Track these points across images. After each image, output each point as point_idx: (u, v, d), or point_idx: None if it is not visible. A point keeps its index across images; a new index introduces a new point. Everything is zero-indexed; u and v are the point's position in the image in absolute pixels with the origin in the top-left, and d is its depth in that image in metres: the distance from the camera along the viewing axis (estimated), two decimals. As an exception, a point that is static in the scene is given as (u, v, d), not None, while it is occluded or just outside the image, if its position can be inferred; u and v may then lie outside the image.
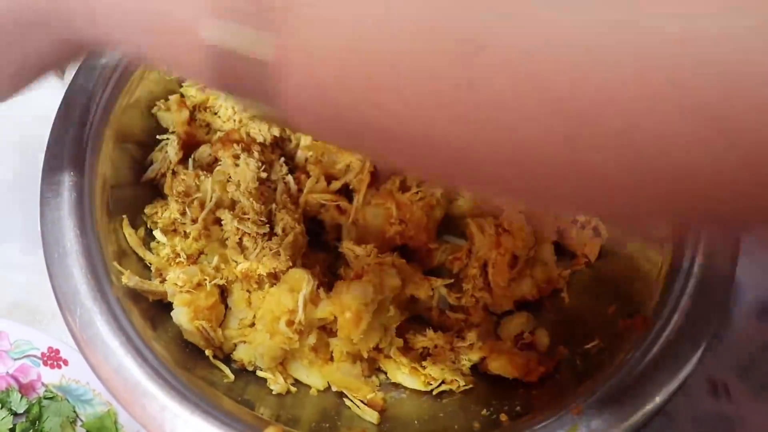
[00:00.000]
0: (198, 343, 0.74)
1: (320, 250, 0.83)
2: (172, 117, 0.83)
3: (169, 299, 0.74)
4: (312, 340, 0.74)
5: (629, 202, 0.31)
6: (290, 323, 0.71)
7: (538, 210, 0.77)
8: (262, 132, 0.82)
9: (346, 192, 0.83)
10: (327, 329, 0.76)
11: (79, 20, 0.48)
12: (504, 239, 0.79)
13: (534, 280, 0.81)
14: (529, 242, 0.79)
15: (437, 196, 0.79)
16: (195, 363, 0.73)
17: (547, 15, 0.28)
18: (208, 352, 0.74)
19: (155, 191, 0.83)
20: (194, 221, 0.77)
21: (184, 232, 0.78)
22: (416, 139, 0.35)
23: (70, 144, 0.74)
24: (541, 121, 0.29)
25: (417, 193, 0.79)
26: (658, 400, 0.65)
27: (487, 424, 0.72)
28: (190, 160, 0.83)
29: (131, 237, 0.76)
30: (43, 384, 0.77)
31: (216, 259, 0.77)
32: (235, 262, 0.75)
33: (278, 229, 0.77)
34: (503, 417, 0.71)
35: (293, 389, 0.76)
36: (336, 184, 0.81)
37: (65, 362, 0.77)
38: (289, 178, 0.81)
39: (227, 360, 0.76)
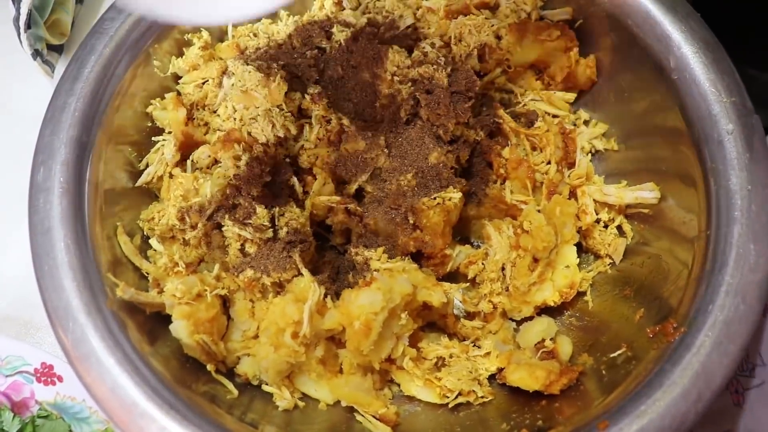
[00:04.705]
0: (199, 358, 0.70)
1: (328, 254, 0.79)
2: (169, 116, 0.78)
3: (168, 311, 0.70)
4: (320, 352, 0.70)
5: None
6: (295, 335, 0.67)
7: None
8: (264, 132, 0.77)
9: (356, 194, 0.78)
10: (336, 340, 0.72)
11: None
12: (523, 240, 0.75)
13: (555, 284, 0.76)
14: (550, 243, 0.75)
15: (455, 200, 0.74)
16: (196, 379, 0.69)
17: None
18: (209, 367, 0.70)
19: (152, 196, 0.79)
20: (193, 227, 0.73)
21: (183, 239, 0.74)
22: None
23: (59, 147, 0.70)
24: None
25: (434, 198, 0.74)
26: (691, 414, 0.61)
27: (507, 439, 0.68)
28: (188, 162, 0.78)
29: (126, 245, 0.72)
30: (36, 402, 0.74)
31: (217, 267, 0.73)
32: (237, 270, 0.71)
33: (282, 234, 0.73)
34: (524, 432, 0.66)
35: (301, 404, 0.72)
36: (350, 188, 0.77)
37: (60, 378, 0.74)
38: (294, 180, 0.77)
39: (230, 374, 0.72)
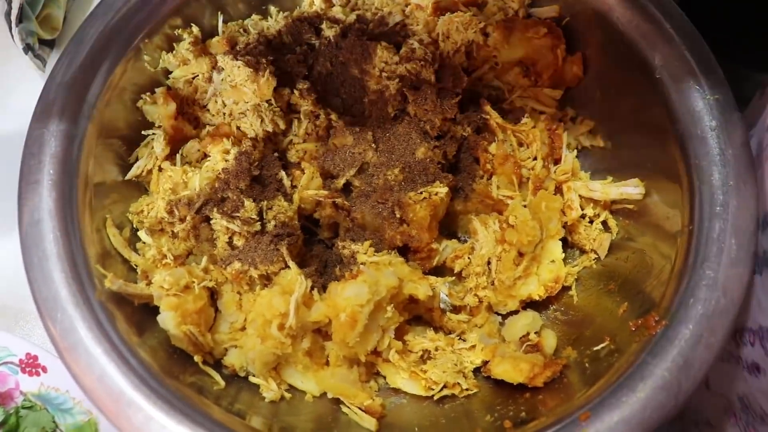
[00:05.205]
0: (186, 349, 0.71)
1: (315, 248, 0.80)
2: (159, 110, 0.79)
3: (156, 303, 0.70)
4: (306, 344, 0.71)
5: None
6: (282, 327, 0.68)
7: None
8: (253, 126, 0.77)
9: (344, 189, 0.79)
10: (322, 332, 0.73)
11: None
12: (509, 235, 0.76)
13: (541, 278, 0.77)
14: (535, 238, 0.75)
15: (442, 195, 0.75)
16: (183, 370, 0.69)
17: None
18: (197, 358, 0.71)
19: (141, 189, 0.79)
20: (182, 220, 0.74)
21: (172, 231, 0.75)
22: None
23: (49, 140, 0.70)
24: None
25: (421, 193, 0.74)
26: (671, 406, 0.62)
27: (490, 431, 0.68)
28: (178, 156, 0.79)
29: (115, 237, 0.73)
30: (21, 392, 0.74)
31: (205, 260, 0.73)
32: (225, 262, 0.72)
33: (269, 227, 0.73)
34: (507, 424, 0.67)
35: (287, 395, 0.73)
36: (338, 183, 0.77)
37: (44, 369, 0.74)
38: (283, 174, 0.77)
39: (218, 366, 0.73)
